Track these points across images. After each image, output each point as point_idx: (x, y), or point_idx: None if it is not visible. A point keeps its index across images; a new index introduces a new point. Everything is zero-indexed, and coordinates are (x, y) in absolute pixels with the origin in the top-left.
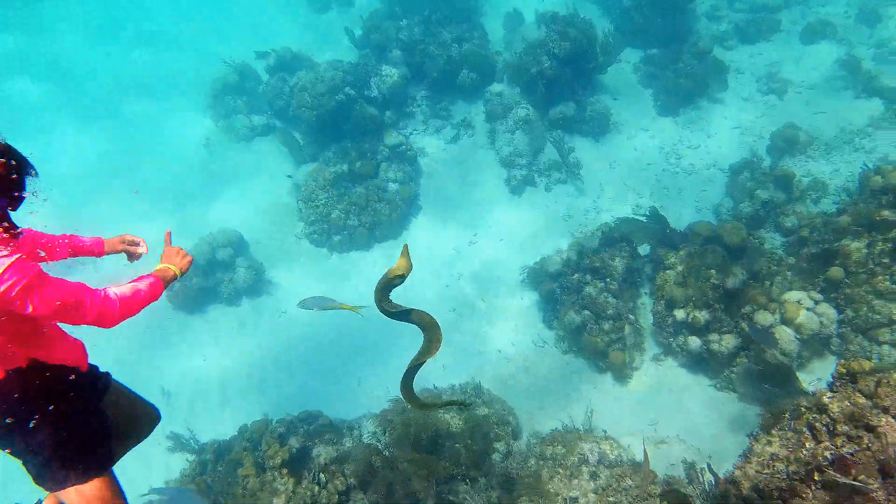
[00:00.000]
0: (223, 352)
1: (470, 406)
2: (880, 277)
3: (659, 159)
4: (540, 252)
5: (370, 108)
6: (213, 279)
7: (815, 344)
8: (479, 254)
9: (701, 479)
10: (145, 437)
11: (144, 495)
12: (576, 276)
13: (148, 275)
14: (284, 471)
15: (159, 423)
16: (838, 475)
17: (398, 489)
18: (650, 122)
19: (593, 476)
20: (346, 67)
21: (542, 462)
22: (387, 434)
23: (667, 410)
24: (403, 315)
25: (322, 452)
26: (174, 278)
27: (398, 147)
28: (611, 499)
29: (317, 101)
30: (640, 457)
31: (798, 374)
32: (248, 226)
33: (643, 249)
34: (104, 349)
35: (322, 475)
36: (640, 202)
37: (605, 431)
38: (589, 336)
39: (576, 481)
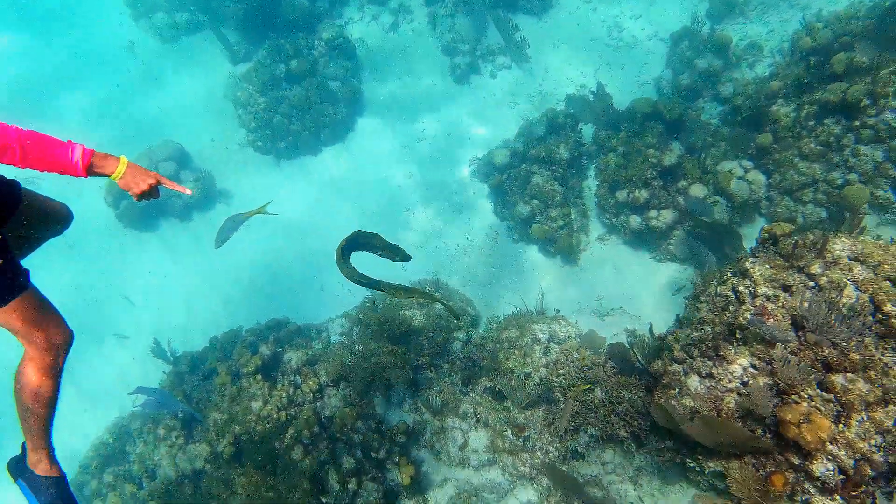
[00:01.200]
0: (183, 269)
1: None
2: (806, 139)
3: (602, 33)
4: (488, 143)
5: None
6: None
7: (748, 209)
8: (428, 149)
9: (641, 341)
10: (61, 233)
11: (132, 393)
12: (523, 166)
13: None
14: (258, 377)
15: (71, 225)
16: (756, 327)
17: (376, 379)
18: None
19: (545, 352)
20: None
21: (498, 345)
22: (358, 330)
23: (611, 285)
24: (373, 284)
25: (293, 357)
26: (109, 175)
27: (335, 41)
28: (560, 371)
29: None
30: (586, 330)
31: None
32: (189, 135)
33: (588, 131)
34: (60, 272)
35: (297, 377)
36: (585, 81)
37: (557, 311)
38: (538, 225)
39: (529, 359)
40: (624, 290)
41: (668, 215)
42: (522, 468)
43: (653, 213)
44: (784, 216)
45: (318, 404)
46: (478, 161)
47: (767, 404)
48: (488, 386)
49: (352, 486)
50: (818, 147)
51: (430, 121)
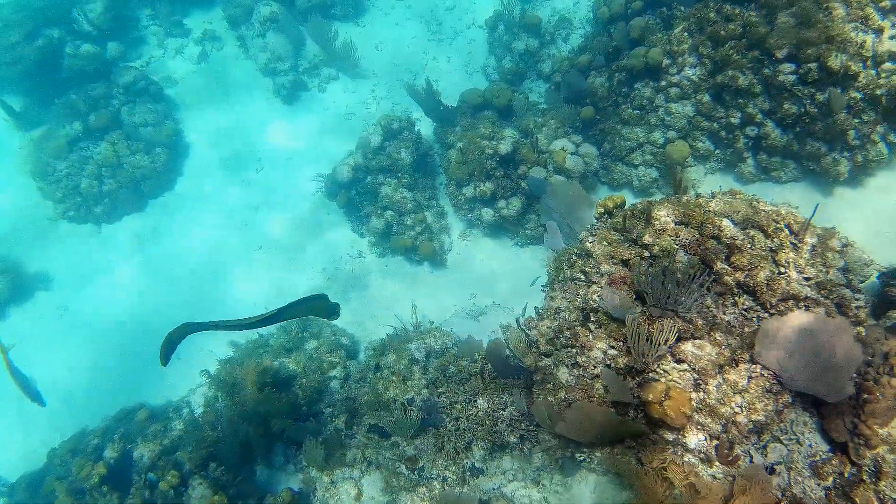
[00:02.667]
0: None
1: None
2: (623, 106)
3: (421, 30)
4: (331, 158)
5: (85, 45)
6: None
7: (587, 181)
8: (270, 179)
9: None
10: None
11: None
12: (368, 179)
13: None
14: (105, 488)
15: None
16: (603, 309)
17: (252, 447)
18: None
19: (424, 371)
20: (35, 3)
21: (378, 374)
22: (222, 397)
23: (482, 281)
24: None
25: (145, 452)
26: None
27: (136, 84)
28: (441, 388)
29: (14, 55)
30: (464, 335)
31: None
32: None
33: (428, 129)
34: None
35: (151, 475)
36: (415, 81)
37: (432, 322)
38: (397, 236)
39: (410, 382)
40: (494, 283)
41: (516, 202)
42: (422, 502)
43: (502, 202)
44: (622, 181)
45: (183, 500)
46: (323, 179)
47: (623, 388)
48: (372, 424)
49: None
50: (635, 112)
51: (265, 148)
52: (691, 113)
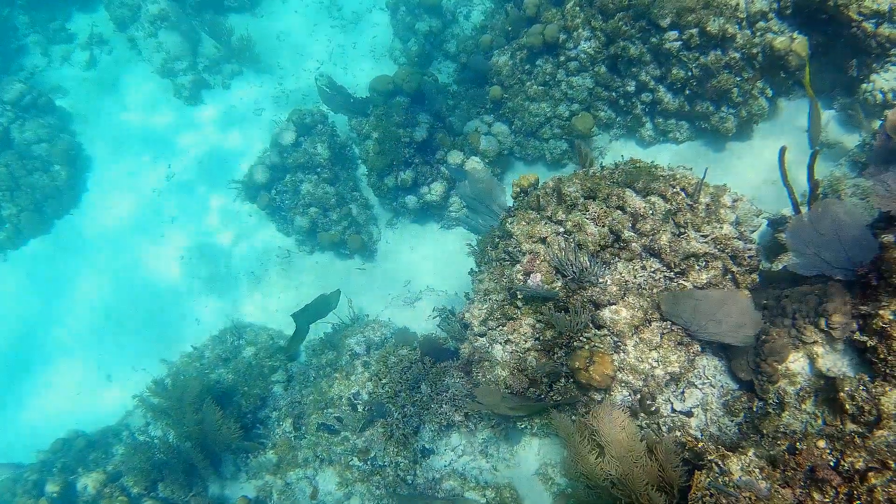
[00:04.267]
0: None
1: None
2: (529, 83)
3: (322, 16)
4: (247, 158)
5: None
6: None
7: (503, 159)
8: (180, 184)
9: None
10: None
11: None
12: (287, 177)
13: None
14: None
15: None
16: (528, 287)
17: (197, 463)
18: None
19: (366, 365)
20: None
21: (320, 372)
22: (162, 419)
23: (414, 267)
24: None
25: (88, 482)
26: None
27: (21, 99)
28: (384, 380)
29: None
30: (402, 324)
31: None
32: None
33: (342, 121)
34: None
35: None
36: (324, 69)
37: (367, 315)
38: (323, 233)
39: (353, 377)
40: (426, 268)
41: (438, 188)
42: (378, 491)
43: (424, 189)
44: (535, 156)
45: None
46: (239, 185)
47: (552, 361)
48: (320, 423)
49: None
50: (539, 87)
51: (173, 153)
52: (591, 85)
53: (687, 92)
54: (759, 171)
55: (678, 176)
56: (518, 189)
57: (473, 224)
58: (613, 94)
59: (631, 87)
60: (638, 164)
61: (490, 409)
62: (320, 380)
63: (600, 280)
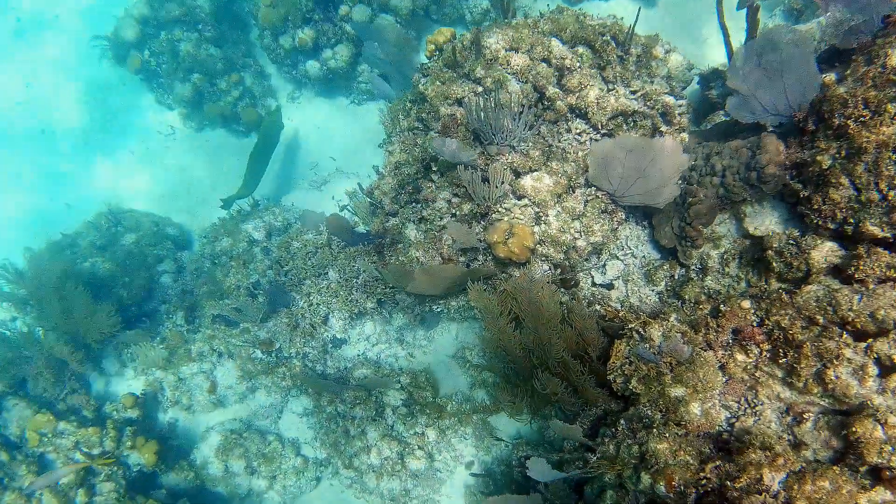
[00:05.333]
0: None
1: None
2: None
3: None
4: (101, 16)
5: None
6: None
7: (418, 20)
8: (36, 50)
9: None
10: None
11: None
12: (162, 35)
13: None
14: None
15: None
16: (445, 155)
17: (75, 358)
18: None
19: (266, 252)
20: None
21: (215, 262)
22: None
23: (323, 146)
24: None
25: None
26: None
27: None
28: (287, 267)
29: None
30: (308, 207)
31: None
32: None
33: None
34: None
35: None
36: None
37: (267, 200)
38: (211, 104)
39: (252, 265)
40: (335, 147)
41: (344, 51)
42: (285, 382)
43: (328, 52)
44: (454, 16)
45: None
46: (105, 41)
47: (468, 234)
48: (216, 314)
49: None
50: None
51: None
52: None
53: None
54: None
55: (609, 23)
56: (433, 47)
57: (385, 93)
58: None
59: None
60: (565, 11)
61: (402, 287)
62: (215, 269)
63: (522, 145)
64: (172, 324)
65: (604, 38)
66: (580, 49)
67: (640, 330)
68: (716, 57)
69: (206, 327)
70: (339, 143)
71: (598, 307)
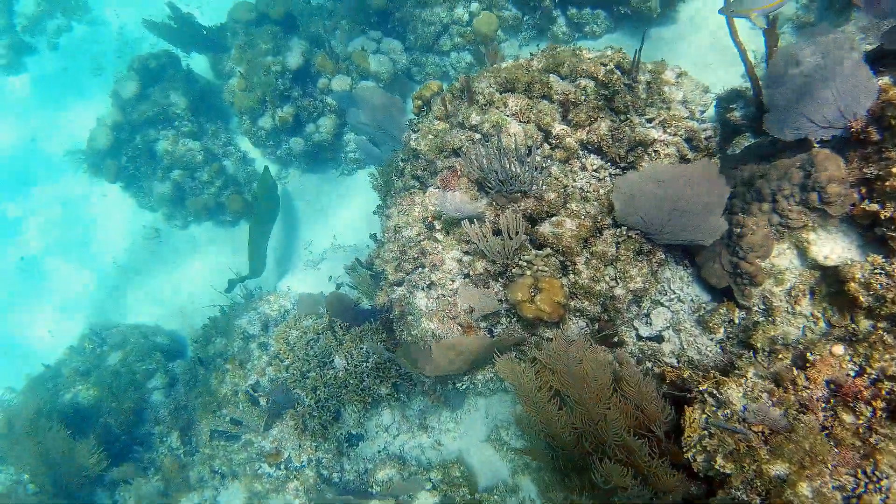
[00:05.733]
0: None
1: None
2: None
3: None
4: (75, 126)
5: None
6: None
7: (399, 82)
8: (16, 172)
9: (361, 276)
10: None
11: None
12: (137, 138)
13: None
14: None
15: None
16: (448, 211)
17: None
18: None
19: (263, 347)
20: None
21: (210, 367)
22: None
23: (314, 225)
24: None
25: None
26: None
27: None
28: (287, 361)
29: None
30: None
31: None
32: None
33: (202, 63)
34: None
35: None
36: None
37: (260, 288)
38: (193, 199)
39: (250, 364)
40: (328, 222)
41: (328, 123)
42: (298, 500)
43: (311, 127)
44: (437, 74)
45: None
46: (80, 154)
47: (487, 298)
48: (213, 429)
49: None
50: None
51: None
52: None
53: None
54: (694, 56)
55: (609, 53)
56: (420, 102)
57: (375, 157)
58: None
59: None
60: (558, 49)
61: (419, 371)
62: (210, 376)
63: (534, 188)
64: (167, 448)
65: (606, 67)
66: (582, 82)
67: (714, 392)
68: (717, 80)
69: (205, 446)
70: (332, 217)
71: (649, 364)
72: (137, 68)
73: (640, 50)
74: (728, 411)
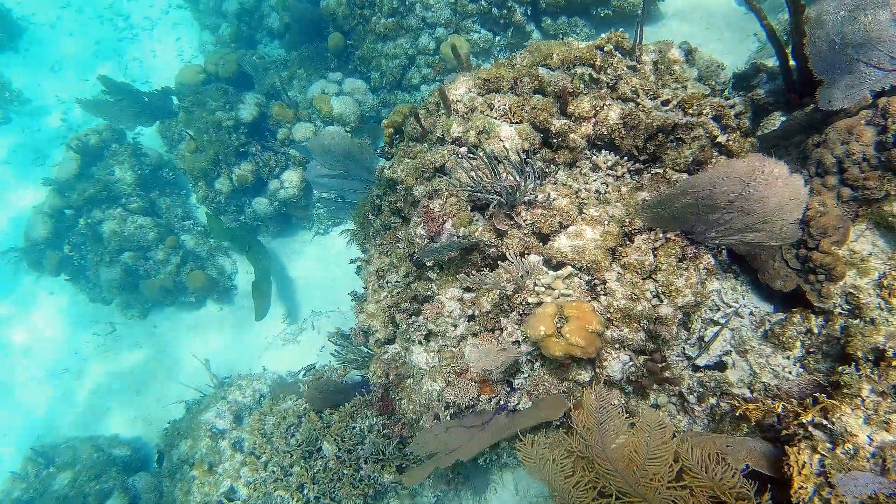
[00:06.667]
0: None
1: None
2: (375, 19)
3: (105, 32)
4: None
5: None
6: None
7: (368, 126)
8: None
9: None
10: None
11: None
12: (81, 221)
13: None
14: None
15: None
16: (441, 244)
17: None
18: None
19: (236, 445)
20: None
21: (177, 475)
22: None
23: (293, 294)
24: None
25: None
26: None
27: None
28: (263, 458)
29: None
30: (285, 368)
31: None
32: None
33: (151, 137)
34: None
35: None
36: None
37: (228, 377)
38: (147, 281)
39: (220, 468)
40: (307, 291)
41: (293, 176)
42: None
43: (274, 183)
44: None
45: None
46: (16, 252)
47: (501, 352)
48: None
49: None
50: (389, 20)
51: None
52: None
53: None
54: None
55: (605, 36)
56: (391, 130)
57: (349, 208)
58: (483, 2)
59: None
60: (542, 43)
61: (435, 463)
62: (174, 488)
63: (539, 197)
64: None
65: (604, 50)
66: (578, 70)
67: (823, 422)
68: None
69: None
70: (310, 285)
71: (713, 401)
72: (76, 147)
73: (640, 23)
74: (850, 447)
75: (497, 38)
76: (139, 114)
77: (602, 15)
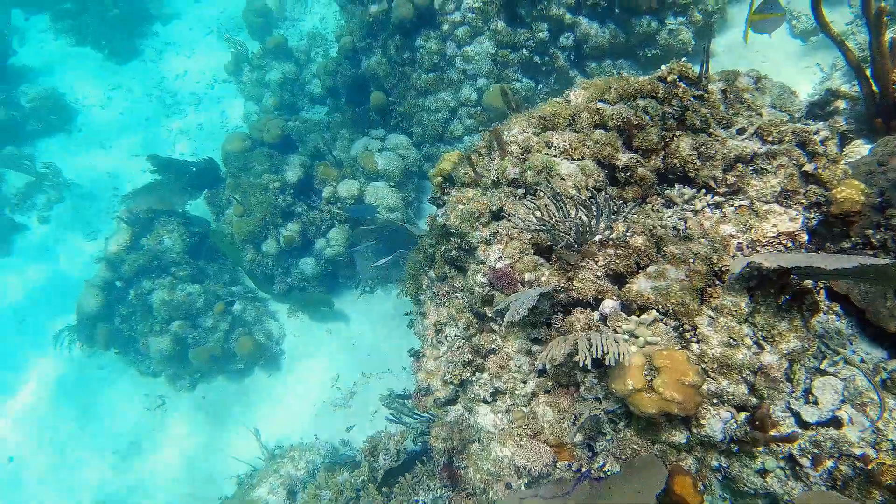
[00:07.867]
0: None
1: None
2: (415, 74)
3: (154, 108)
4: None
5: None
6: None
7: (412, 181)
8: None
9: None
10: None
11: None
12: (131, 292)
13: None
14: None
15: None
16: (504, 291)
17: None
18: (112, 77)
19: None
20: None
21: None
22: None
23: (340, 357)
24: None
25: None
26: None
27: None
28: None
29: None
30: (338, 435)
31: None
32: None
33: (198, 206)
34: None
35: None
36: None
37: (280, 448)
38: (196, 349)
39: None
40: (355, 352)
41: (338, 236)
42: None
43: (321, 242)
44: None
45: None
46: (66, 330)
47: (574, 425)
48: None
49: None
50: (430, 75)
51: None
52: (492, 49)
53: (616, 12)
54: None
55: (666, 67)
56: (440, 178)
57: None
58: (524, 51)
59: (543, 33)
60: (597, 78)
61: None
62: None
63: (612, 234)
64: None
65: (666, 82)
66: (640, 102)
67: None
68: None
69: None
70: (359, 346)
71: (830, 464)
72: (127, 218)
73: (707, 49)
74: None
75: (539, 85)
76: (187, 188)
77: (649, 55)
